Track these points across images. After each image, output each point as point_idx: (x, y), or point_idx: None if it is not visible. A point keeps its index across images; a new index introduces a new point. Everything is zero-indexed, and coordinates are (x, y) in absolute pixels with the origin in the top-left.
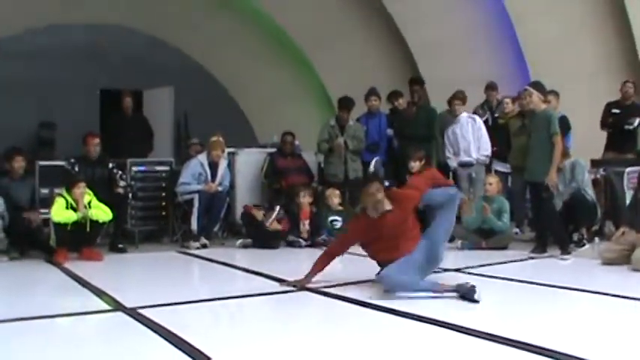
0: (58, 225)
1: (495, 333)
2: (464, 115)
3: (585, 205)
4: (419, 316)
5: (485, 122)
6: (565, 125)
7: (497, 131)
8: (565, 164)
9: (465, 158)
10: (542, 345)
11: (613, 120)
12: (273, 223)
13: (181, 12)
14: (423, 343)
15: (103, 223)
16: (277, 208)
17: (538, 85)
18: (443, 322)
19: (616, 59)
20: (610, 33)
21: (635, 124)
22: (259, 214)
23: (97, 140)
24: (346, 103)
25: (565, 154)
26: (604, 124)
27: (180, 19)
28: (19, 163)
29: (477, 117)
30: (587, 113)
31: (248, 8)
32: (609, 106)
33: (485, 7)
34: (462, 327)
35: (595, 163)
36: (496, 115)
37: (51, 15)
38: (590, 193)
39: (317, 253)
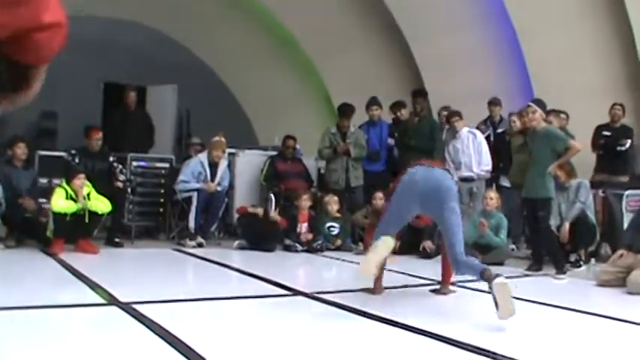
0: (57, 215)
1: (482, 347)
2: (464, 131)
3: (586, 226)
4: (410, 327)
5: (487, 138)
6: None
7: (502, 147)
8: (571, 184)
9: (466, 173)
10: None
11: (604, 142)
12: (275, 213)
13: (191, 10)
14: (410, 354)
15: (102, 214)
16: (271, 195)
17: (540, 103)
18: (435, 335)
19: (620, 79)
20: (615, 52)
21: (627, 145)
22: (258, 210)
23: (99, 134)
24: (346, 110)
25: (571, 173)
26: (594, 146)
27: (189, 17)
28: (21, 150)
29: (477, 132)
30: (590, 132)
31: (258, 11)
32: (599, 128)
33: (492, 24)
34: (451, 339)
35: (594, 185)
36: (499, 130)
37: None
38: (591, 214)
39: (312, 258)
